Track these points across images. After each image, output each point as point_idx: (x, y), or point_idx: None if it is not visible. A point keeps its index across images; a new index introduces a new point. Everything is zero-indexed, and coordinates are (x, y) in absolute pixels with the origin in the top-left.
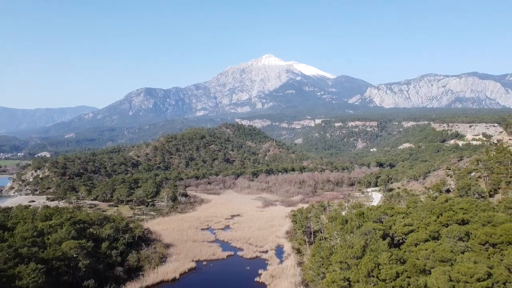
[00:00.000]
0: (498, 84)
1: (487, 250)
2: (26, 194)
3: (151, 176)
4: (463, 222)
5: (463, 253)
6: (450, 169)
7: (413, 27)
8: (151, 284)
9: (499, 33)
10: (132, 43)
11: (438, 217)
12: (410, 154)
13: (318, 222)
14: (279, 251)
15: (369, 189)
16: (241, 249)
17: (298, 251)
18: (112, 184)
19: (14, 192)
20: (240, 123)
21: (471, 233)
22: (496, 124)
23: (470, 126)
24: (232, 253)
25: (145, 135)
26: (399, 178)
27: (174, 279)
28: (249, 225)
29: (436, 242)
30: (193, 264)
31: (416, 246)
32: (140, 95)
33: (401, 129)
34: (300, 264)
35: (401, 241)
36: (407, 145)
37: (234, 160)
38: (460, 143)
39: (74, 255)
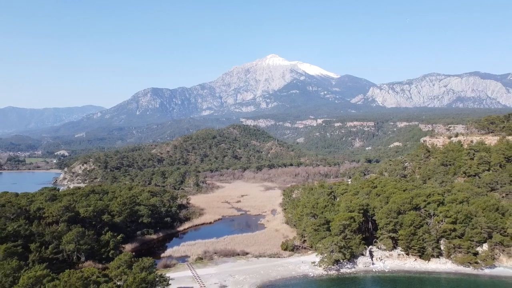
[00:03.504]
0: (499, 84)
1: (377, 197)
2: (78, 183)
3: (174, 169)
4: (374, 187)
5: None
6: (391, 160)
7: (415, 27)
8: (198, 224)
9: (501, 33)
10: (137, 43)
11: (362, 184)
12: (396, 151)
13: (298, 192)
14: (273, 212)
15: (349, 179)
16: (249, 211)
17: (285, 210)
18: (147, 174)
19: (67, 182)
20: (245, 124)
21: (372, 191)
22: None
23: (450, 127)
24: (243, 212)
25: (153, 134)
26: (375, 170)
27: (210, 223)
28: (254, 200)
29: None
30: (220, 217)
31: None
32: (147, 95)
33: (395, 129)
34: (285, 216)
35: (338, 197)
36: (396, 144)
37: (241, 157)
38: None
39: (158, 205)
